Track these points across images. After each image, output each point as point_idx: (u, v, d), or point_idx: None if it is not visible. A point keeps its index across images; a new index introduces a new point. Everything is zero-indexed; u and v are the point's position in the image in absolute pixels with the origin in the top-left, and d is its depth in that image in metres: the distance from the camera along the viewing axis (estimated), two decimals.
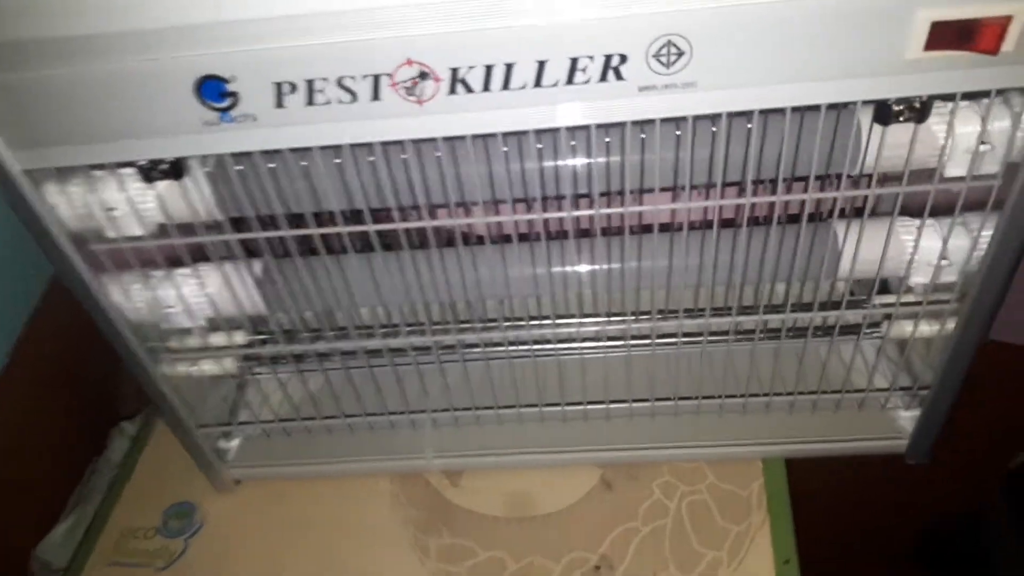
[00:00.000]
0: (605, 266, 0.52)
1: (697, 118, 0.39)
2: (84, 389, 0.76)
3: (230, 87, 0.37)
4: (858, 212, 0.54)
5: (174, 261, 0.52)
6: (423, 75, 0.37)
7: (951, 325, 0.50)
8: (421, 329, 0.54)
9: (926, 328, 0.52)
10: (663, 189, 0.47)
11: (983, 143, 0.42)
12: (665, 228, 0.51)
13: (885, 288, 0.57)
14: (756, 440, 0.58)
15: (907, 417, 0.57)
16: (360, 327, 0.55)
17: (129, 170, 0.44)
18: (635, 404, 0.57)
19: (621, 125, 0.41)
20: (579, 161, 0.46)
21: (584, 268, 0.53)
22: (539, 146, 0.45)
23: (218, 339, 0.56)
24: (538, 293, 0.53)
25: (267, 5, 0.35)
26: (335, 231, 0.46)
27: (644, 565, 0.55)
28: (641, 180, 0.47)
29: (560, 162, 0.46)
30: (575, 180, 0.47)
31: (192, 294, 0.52)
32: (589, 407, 0.58)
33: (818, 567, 0.69)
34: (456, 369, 0.57)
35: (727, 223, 0.49)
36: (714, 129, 0.44)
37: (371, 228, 0.46)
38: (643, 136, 0.45)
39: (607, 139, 0.46)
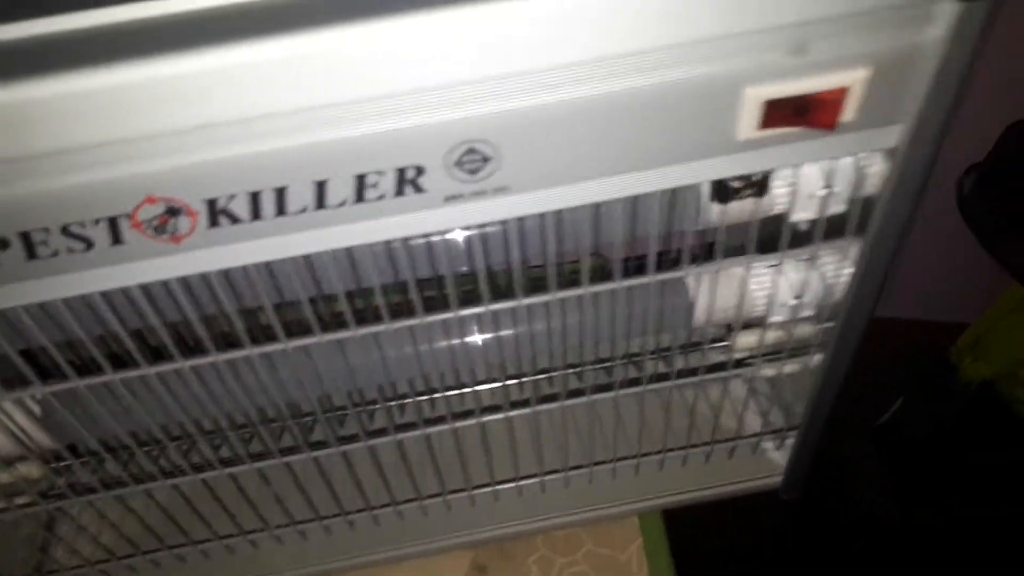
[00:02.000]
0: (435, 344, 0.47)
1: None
2: None
3: None
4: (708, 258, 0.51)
5: None
6: (172, 211, 0.30)
7: (816, 359, 0.47)
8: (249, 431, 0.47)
9: (790, 367, 0.49)
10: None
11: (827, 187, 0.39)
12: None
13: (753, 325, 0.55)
14: (629, 499, 0.55)
15: (779, 456, 0.55)
16: (175, 438, 0.48)
17: None
18: (499, 487, 0.53)
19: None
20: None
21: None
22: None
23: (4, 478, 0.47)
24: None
25: None
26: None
27: None
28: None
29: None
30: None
31: None
32: (450, 497, 0.52)
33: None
34: (285, 477, 0.50)
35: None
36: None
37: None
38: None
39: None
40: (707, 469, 0.55)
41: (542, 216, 0.36)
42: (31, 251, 0.30)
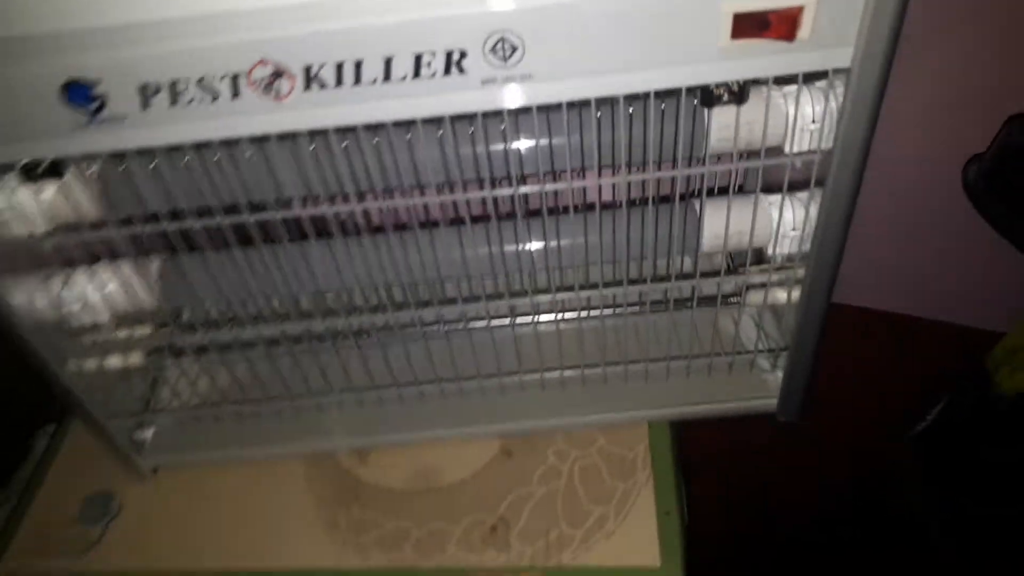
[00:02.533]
0: (483, 250, 0.56)
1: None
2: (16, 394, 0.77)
3: (96, 91, 0.40)
4: (722, 192, 0.59)
5: (71, 262, 0.54)
6: (277, 74, 0.40)
7: (797, 292, 0.54)
8: (321, 315, 0.57)
9: (779, 295, 0.56)
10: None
11: (814, 123, 0.47)
12: (541, 212, 0.55)
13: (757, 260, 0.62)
14: (640, 406, 0.62)
15: (774, 379, 0.61)
16: (259, 316, 0.58)
17: (12, 175, 0.46)
18: (525, 376, 0.61)
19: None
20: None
21: (470, 252, 0.56)
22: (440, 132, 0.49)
23: (123, 334, 0.59)
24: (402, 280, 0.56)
25: (126, 12, 0.38)
26: (216, 223, 0.49)
27: (538, 524, 0.59)
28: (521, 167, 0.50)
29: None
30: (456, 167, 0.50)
31: (91, 293, 0.55)
32: (484, 381, 0.61)
33: (708, 524, 0.74)
34: (356, 353, 0.61)
35: (606, 206, 0.54)
36: (598, 115, 0.48)
37: (249, 219, 0.49)
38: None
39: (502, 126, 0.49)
40: (710, 385, 0.62)
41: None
42: (174, 98, 0.40)
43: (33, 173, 0.45)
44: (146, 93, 0.40)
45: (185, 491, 0.64)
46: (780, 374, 0.61)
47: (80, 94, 0.40)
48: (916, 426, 1.23)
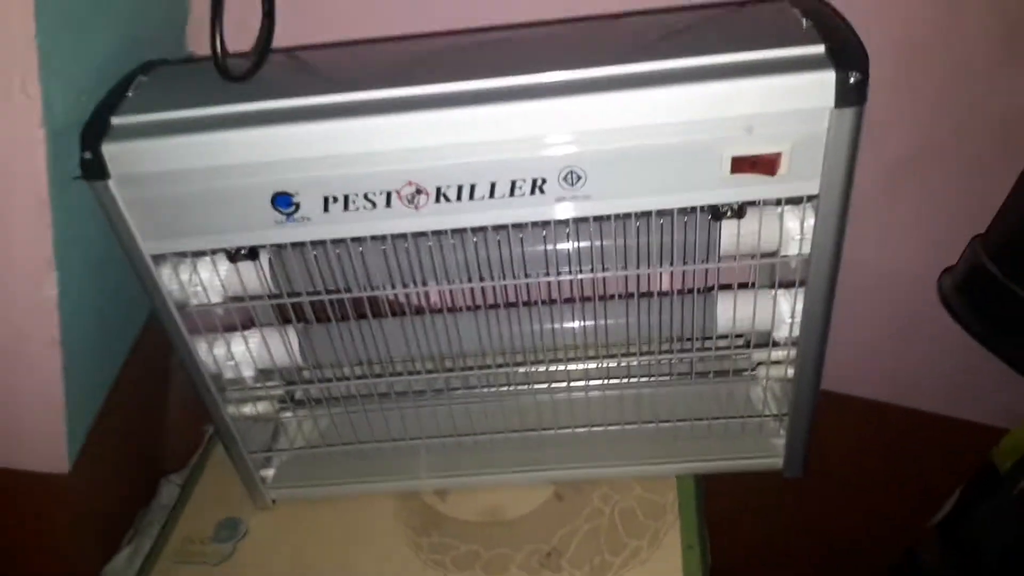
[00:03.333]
0: (557, 325, 0.73)
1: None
2: (143, 445, 0.94)
3: (294, 199, 0.58)
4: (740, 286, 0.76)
5: (241, 326, 0.72)
6: (418, 191, 0.58)
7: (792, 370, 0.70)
8: (418, 375, 0.74)
9: (781, 371, 0.72)
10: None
11: (802, 234, 0.64)
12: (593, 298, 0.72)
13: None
14: (669, 460, 0.77)
15: (780, 441, 0.76)
16: (372, 375, 0.75)
17: (218, 255, 0.65)
18: (577, 431, 0.76)
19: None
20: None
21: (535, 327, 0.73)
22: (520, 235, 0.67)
23: (263, 386, 0.76)
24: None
25: (318, 148, 0.56)
26: (348, 296, 0.67)
27: (584, 552, 0.72)
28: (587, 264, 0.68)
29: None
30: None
31: (248, 351, 0.72)
32: (543, 434, 0.77)
33: (730, 566, 0.86)
34: (444, 408, 0.77)
35: (644, 295, 0.71)
36: (637, 224, 0.66)
37: (379, 293, 0.67)
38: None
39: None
40: (727, 445, 0.76)
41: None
42: (346, 205, 0.59)
43: (237, 255, 0.63)
44: (327, 202, 0.58)
45: (299, 519, 0.79)
46: (784, 437, 0.75)
47: (284, 202, 0.58)
48: (935, 516, 1.31)
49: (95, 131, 0.56)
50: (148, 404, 0.90)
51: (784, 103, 0.54)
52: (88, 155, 0.56)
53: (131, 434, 0.89)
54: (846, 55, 0.54)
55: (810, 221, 0.62)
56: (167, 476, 0.95)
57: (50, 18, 0.53)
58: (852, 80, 0.53)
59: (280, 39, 0.63)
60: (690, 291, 0.73)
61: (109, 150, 0.56)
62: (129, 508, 0.90)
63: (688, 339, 0.73)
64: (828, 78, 0.53)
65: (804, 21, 0.57)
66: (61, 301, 0.61)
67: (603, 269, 0.66)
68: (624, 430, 0.76)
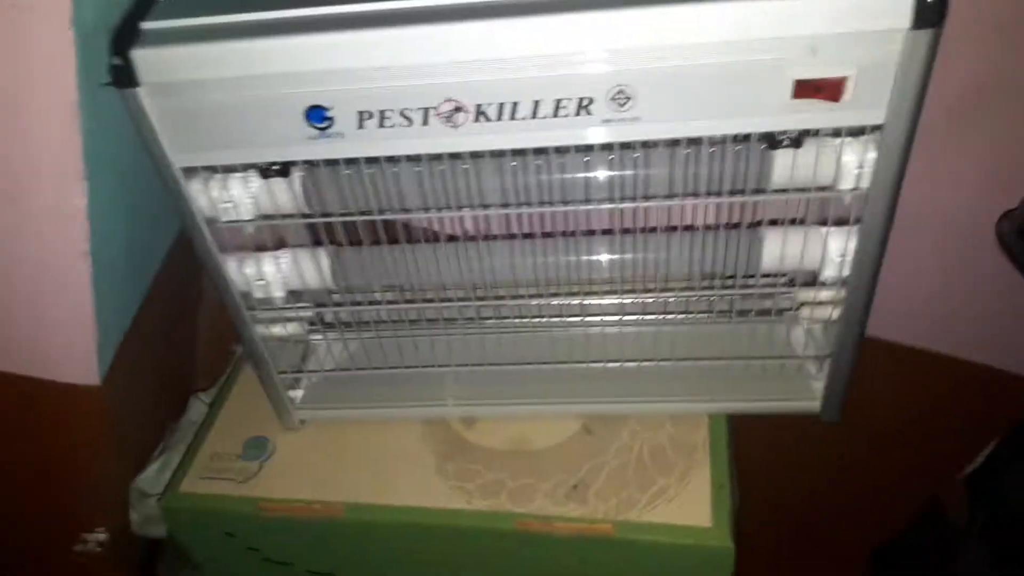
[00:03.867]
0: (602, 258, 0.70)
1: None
2: (173, 361, 0.94)
3: (328, 113, 0.56)
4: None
5: (271, 246, 0.70)
6: (457, 108, 0.55)
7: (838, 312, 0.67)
8: (449, 303, 0.72)
9: (826, 312, 0.69)
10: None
11: (860, 167, 0.60)
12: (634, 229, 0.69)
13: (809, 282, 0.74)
14: (703, 399, 0.75)
15: (819, 384, 0.73)
16: (403, 300, 0.74)
17: (251, 171, 0.63)
18: (609, 365, 0.75)
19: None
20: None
21: (583, 258, 0.71)
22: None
23: (293, 306, 0.75)
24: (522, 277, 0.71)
25: (355, 59, 0.54)
26: (383, 218, 0.65)
27: (611, 486, 0.71)
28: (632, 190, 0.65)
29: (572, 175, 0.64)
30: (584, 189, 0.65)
31: (278, 271, 0.71)
32: (574, 367, 0.75)
33: (756, 507, 0.85)
34: (474, 336, 0.75)
35: (687, 228, 0.68)
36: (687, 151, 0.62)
37: (410, 217, 0.65)
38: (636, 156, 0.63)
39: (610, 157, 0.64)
40: (763, 386, 0.74)
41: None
42: (382, 122, 0.56)
43: (269, 171, 0.61)
44: (362, 118, 0.56)
45: (326, 440, 0.79)
46: (823, 380, 0.73)
47: (317, 115, 0.56)
48: (967, 467, 1.29)
49: (125, 36, 0.54)
50: (178, 321, 0.90)
51: (853, 22, 0.50)
52: (117, 61, 0.54)
53: (161, 350, 0.89)
54: None
55: (871, 154, 0.58)
56: (196, 393, 0.95)
57: None
58: None
59: None
60: (735, 225, 0.70)
61: (139, 56, 0.54)
62: (159, 423, 0.91)
63: (730, 276, 0.70)
64: None
65: None
66: (91, 211, 0.60)
67: (646, 199, 0.63)
68: (658, 366, 0.75)
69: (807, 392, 0.74)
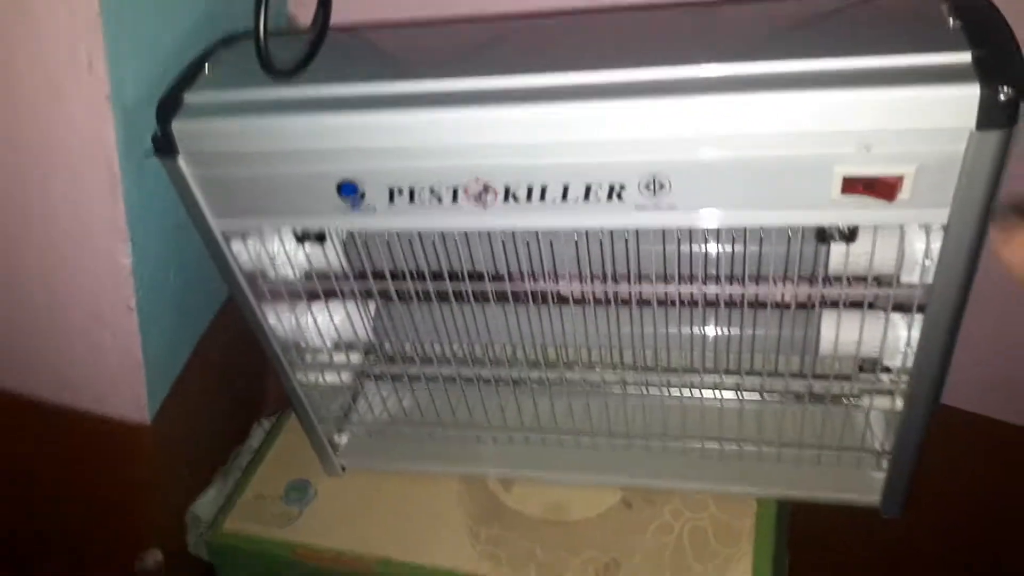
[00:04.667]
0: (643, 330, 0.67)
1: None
2: (237, 391, 0.97)
3: (360, 189, 0.56)
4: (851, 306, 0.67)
5: (313, 298, 0.71)
6: (486, 189, 0.54)
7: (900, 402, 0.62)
8: (492, 363, 0.71)
9: (888, 402, 0.64)
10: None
11: (927, 259, 0.55)
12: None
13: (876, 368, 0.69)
14: (752, 483, 0.71)
15: (879, 476, 0.68)
16: (444, 358, 0.73)
17: (288, 235, 0.63)
18: (651, 441, 0.72)
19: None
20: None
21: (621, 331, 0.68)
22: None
23: (338, 358, 0.75)
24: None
25: (385, 139, 0.53)
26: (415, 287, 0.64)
27: (645, 569, 0.68)
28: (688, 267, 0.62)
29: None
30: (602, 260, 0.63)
31: (322, 323, 0.71)
32: (615, 440, 0.72)
33: None
34: (515, 398, 0.74)
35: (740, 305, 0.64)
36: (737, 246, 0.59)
37: (446, 286, 0.64)
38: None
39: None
40: (818, 473, 0.69)
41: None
42: (412, 198, 0.55)
43: (305, 237, 0.61)
44: (393, 194, 0.55)
45: (366, 489, 0.79)
46: (884, 473, 0.67)
47: (349, 190, 0.56)
48: None
49: (167, 108, 0.55)
50: (245, 351, 0.93)
51: (912, 119, 0.46)
52: (158, 132, 0.55)
53: (224, 381, 0.92)
54: (997, 65, 0.44)
55: (936, 245, 0.53)
56: (260, 420, 0.98)
57: None
58: (1002, 97, 0.43)
59: (350, 13, 0.59)
60: (791, 306, 0.65)
61: (179, 127, 0.55)
62: (222, 447, 0.94)
63: (785, 357, 0.66)
64: (970, 93, 0.44)
65: (951, 20, 0.47)
66: (136, 269, 0.62)
67: (689, 278, 0.60)
68: (704, 447, 0.71)
69: (867, 484, 0.69)
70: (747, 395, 0.71)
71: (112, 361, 0.69)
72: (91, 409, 0.73)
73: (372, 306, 0.73)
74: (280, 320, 0.69)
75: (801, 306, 0.64)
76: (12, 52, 0.53)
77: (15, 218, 0.62)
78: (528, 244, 0.61)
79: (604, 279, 0.64)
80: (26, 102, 0.56)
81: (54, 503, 0.85)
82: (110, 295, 0.63)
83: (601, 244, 0.61)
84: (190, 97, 0.56)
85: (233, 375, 0.93)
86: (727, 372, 0.68)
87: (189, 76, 0.57)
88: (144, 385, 0.71)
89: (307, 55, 0.55)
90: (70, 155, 0.57)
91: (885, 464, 0.67)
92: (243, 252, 0.64)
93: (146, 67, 0.57)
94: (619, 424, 0.72)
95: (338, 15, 0.58)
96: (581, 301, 0.68)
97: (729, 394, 0.71)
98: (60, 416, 0.74)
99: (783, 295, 0.61)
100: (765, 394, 0.69)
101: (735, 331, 0.66)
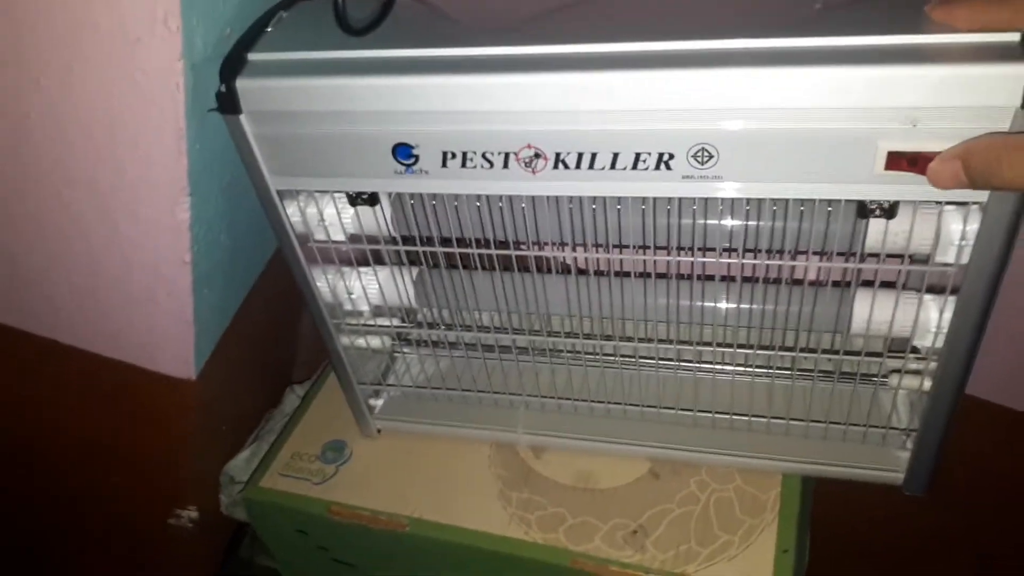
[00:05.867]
0: (681, 302, 0.69)
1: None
2: (270, 356, 0.99)
3: (414, 151, 0.58)
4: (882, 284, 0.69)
5: (359, 262, 0.73)
6: (537, 155, 0.56)
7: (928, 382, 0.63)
8: (528, 332, 0.73)
9: (916, 382, 0.65)
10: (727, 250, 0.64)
11: (963, 240, 0.57)
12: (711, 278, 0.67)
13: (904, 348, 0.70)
14: (778, 457, 0.72)
15: (904, 455, 0.69)
16: (481, 326, 0.75)
17: (341, 195, 0.65)
18: (681, 412, 0.73)
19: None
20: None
21: (660, 302, 0.70)
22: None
23: (380, 321, 0.77)
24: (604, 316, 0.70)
25: (440, 102, 0.55)
26: (467, 251, 0.66)
27: (672, 536, 0.70)
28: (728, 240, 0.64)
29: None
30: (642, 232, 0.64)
31: (367, 286, 0.73)
32: (646, 409, 0.74)
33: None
34: (547, 368, 0.76)
35: (775, 281, 0.66)
36: (774, 208, 0.61)
37: (492, 252, 0.66)
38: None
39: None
40: (843, 450, 0.71)
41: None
42: (464, 162, 0.57)
43: (358, 199, 0.63)
44: (446, 157, 0.57)
45: (400, 451, 0.81)
46: (909, 452, 0.69)
47: (404, 152, 0.58)
48: None
49: (232, 66, 0.57)
50: (279, 318, 0.95)
51: (959, 96, 0.47)
52: (223, 89, 0.57)
53: (260, 345, 0.94)
54: None
55: (973, 226, 0.54)
56: (292, 385, 1.00)
57: None
58: None
59: None
60: (824, 283, 0.67)
61: (243, 86, 0.57)
62: (256, 411, 0.97)
63: (816, 333, 0.67)
64: (1017, 73, 0.45)
65: None
66: (193, 225, 0.64)
67: (728, 252, 0.62)
68: (733, 421, 0.73)
69: (891, 461, 0.70)
70: (777, 371, 0.72)
71: (165, 315, 0.71)
72: (141, 363, 0.76)
73: (414, 271, 0.75)
74: (328, 282, 0.72)
75: (835, 283, 0.66)
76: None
77: (82, 168, 0.64)
78: (570, 212, 0.63)
79: (643, 250, 0.65)
80: (101, 51, 0.57)
81: (98, 454, 0.88)
82: (167, 250, 0.66)
83: (643, 214, 0.63)
84: (254, 56, 0.58)
85: (268, 340, 0.96)
86: (760, 348, 0.70)
87: (253, 35, 0.59)
88: (192, 341, 0.73)
89: (379, 15, 0.57)
90: (140, 107, 0.59)
91: (910, 443, 0.69)
92: (296, 212, 0.66)
93: (214, 24, 0.59)
94: (651, 396, 0.74)
95: None
96: (619, 273, 0.70)
97: (760, 370, 0.73)
98: (110, 369, 0.77)
99: (819, 270, 0.63)
100: (792, 369, 0.71)
101: (769, 306, 0.68)
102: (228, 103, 0.58)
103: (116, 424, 0.83)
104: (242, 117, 0.58)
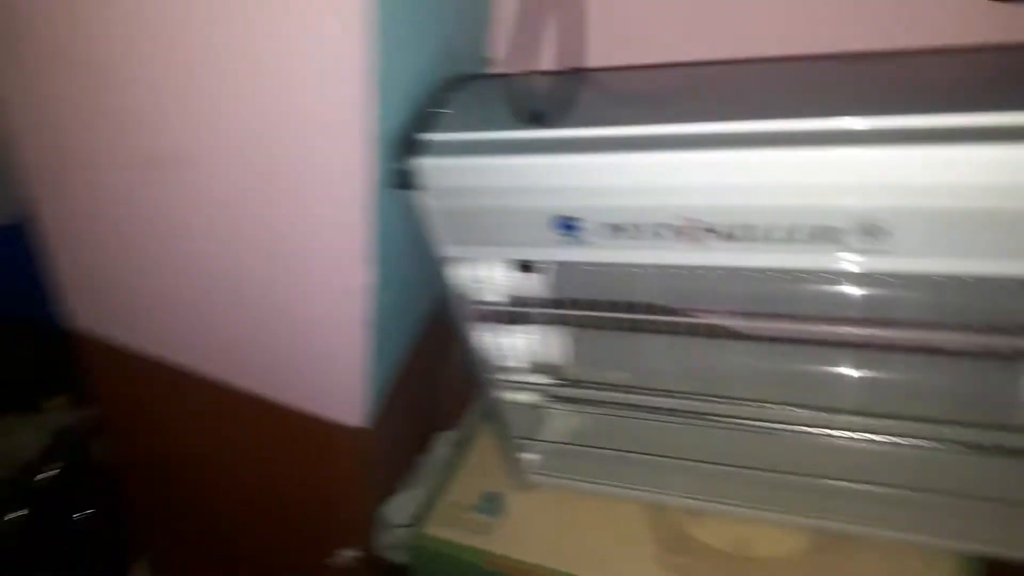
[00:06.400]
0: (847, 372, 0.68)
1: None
2: (423, 405, 1.04)
3: (580, 223, 0.60)
4: None
5: (518, 321, 0.77)
6: (708, 230, 0.57)
7: None
8: (682, 397, 0.73)
9: None
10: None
11: None
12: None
13: None
14: (952, 536, 0.69)
15: None
16: (637, 388, 0.76)
17: (508, 263, 0.69)
18: (839, 482, 0.71)
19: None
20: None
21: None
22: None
23: (538, 378, 0.80)
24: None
25: (610, 178, 0.58)
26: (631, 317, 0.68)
27: None
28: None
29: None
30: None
31: (522, 346, 0.77)
32: (809, 480, 0.72)
33: None
34: (705, 432, 0.76)
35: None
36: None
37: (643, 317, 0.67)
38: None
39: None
40: (1017, 532, 0.66)
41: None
42: (628, 234, 0.59)
43: (525, 266, 0.67)
44: (615, 230, 0.59)
45: (555, 505, 0.83)
46: None
47: (564, 224, 0.61)
48: None
49: (412, 146, 0.63)
50: (431, 373, 1.00)
51: None
52: (405, 168, 0.62)
53: (415, 395, 0.99)
54: None
55: None
56: (439, 432, 1.05)
57: (388, 37, 0.60)
58: None
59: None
60: (994, 355, 0.64)
61: (423, 164, 0.62)
62: (408, 457, 1.02)
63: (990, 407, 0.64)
64: None
65: None
66: (371, 289, 0.70)
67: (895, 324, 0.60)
68: (902, 494, 0.70)
69: None
70: (943, 444, 0.69)
71: (341, 369, 0.77)
72: (315, 411, 0.82)
73: (572, 332, 0.77)
74: (489, 339, 0.75)
75: (1001, 357, 0.63)
76: (292, 94, 0.63)
77: (277, 237, 0.71)
78: (725, 279, 0.64)
79: (803, 320, 0.65)
80: (296, 138, 0.65)
81: (271, 494, 0.95)
82: (346, 311, 0.72)
83: (804, 286, 0.63)
84: (433, 136, 0.63)
85: (422, 390, 1.01)
86: (925, 420, 0.67)
87: (432, 116, 0.65)
88: (362, 391, 0.78)
89: (560, 114, 0.61)
90: (331, 185, 0.65)
91: None
92: (463, 276, 0.70)
93: (402, 102, 0.65)
94: (814, 465, 0.72)
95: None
96: (777, 339, 0.69)
97: (925, 443, 0.70)
98: (287, 416, 0.84)
99: (987, 344, 0.60)
100: (968, 445, 0.67)
101: (933, 379, 0.65)
102: (409, 180, 0.63)
103: (290, 465, 0.90)
104: (423, 192, 0.63)
